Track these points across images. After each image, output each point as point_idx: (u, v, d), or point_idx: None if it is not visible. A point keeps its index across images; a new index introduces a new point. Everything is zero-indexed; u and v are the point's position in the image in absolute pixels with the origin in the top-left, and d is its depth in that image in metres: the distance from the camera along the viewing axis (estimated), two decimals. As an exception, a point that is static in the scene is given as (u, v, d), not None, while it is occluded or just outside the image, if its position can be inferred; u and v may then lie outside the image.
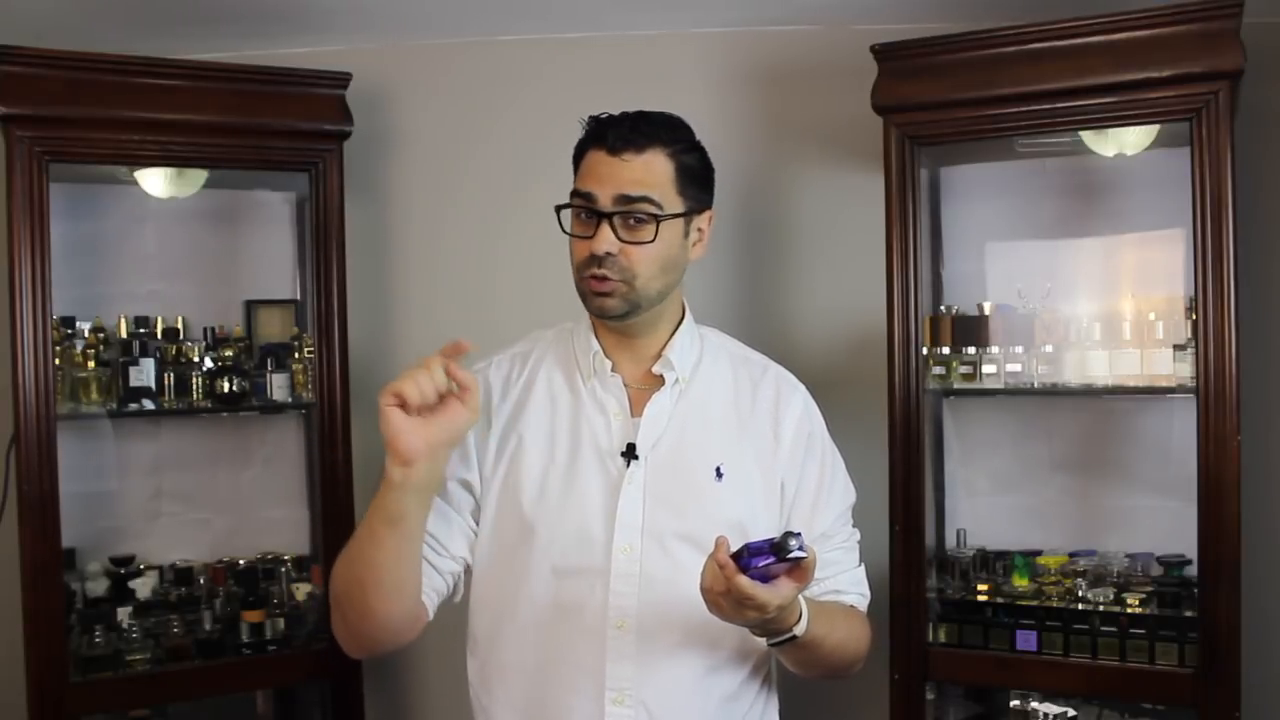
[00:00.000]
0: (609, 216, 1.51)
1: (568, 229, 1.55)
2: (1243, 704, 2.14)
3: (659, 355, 1.60)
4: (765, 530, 1.57)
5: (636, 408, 1.58)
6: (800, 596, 1.40)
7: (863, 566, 1.68)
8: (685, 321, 1.64)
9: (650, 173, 1.52)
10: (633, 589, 1.50)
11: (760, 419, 1.62)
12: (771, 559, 1.31)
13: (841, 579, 1.63)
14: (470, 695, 1.63)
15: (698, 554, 1.50)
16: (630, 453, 1.54)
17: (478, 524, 1.59)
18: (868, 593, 1.68)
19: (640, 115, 1.55)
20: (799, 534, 1.31)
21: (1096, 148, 2.39)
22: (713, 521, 1.53)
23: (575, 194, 1.54)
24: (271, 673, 2.57)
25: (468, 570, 1.59)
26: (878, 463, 2.39)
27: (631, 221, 1.51)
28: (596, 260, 1.50)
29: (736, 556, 1.32)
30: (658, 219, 1.52)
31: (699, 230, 1.60)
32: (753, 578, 1.31)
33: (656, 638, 1.50)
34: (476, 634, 1.61)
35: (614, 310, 1.54)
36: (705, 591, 1.36)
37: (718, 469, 1.56)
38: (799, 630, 1.43)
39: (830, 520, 1.64)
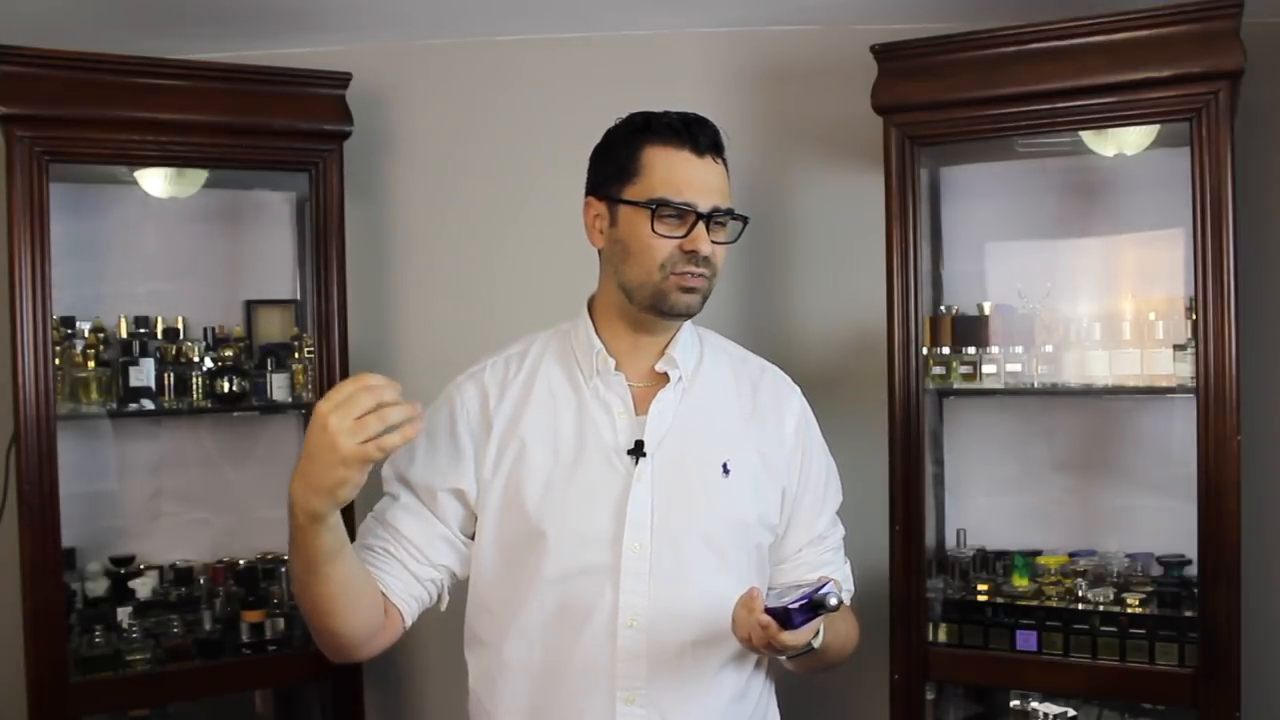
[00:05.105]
0: (707, 219, 1.53)
1: (654, 229, 1.52)
2: (1243, 704, 2.14)
3: (662, 353, 1.60)
4: (771, 526, 1.61)
5: (640, 405, 1.58)
6: None
7: (849, 563, 1.73)
8: (686, 322, 1.64)
9: (727, 177, 1.59)
10: (644, 587, 1.50)
11: (763, 418, 1.64)
12: (809, 614, 1.34)
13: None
14: (470, 698, 1.62)
15: (707, 550, 1.54)
16: (638, 450, 1.54)
17: (469, 535, 1.58)
18: (853, 588, 1.73)
19: (706, 118, 1.58)
20: (830, 585, 1.34)
21: (1096, 148, 2.38)
22: (722, 517, 1.56)
23: (669, 203, 1.51)
24: (271, 673, 2.57)
25: (454, 577, 1.59)
26: (878, 463, 2.39)
27: (713, 224, 1.55)
28: (697, 259, 1.52)
29: (771, 610, 1.34)
30: (744, 220, 1.58)
31: None
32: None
33: (668, 635, 1.50)
34: (480, 636, 1.60)
35: (697, 308, 1.57)
36: (742, 641, 1.39)
37: (724, 465, 1.57)
38: (816, 644, 1.45)
39: (825, 523, 1.68)
